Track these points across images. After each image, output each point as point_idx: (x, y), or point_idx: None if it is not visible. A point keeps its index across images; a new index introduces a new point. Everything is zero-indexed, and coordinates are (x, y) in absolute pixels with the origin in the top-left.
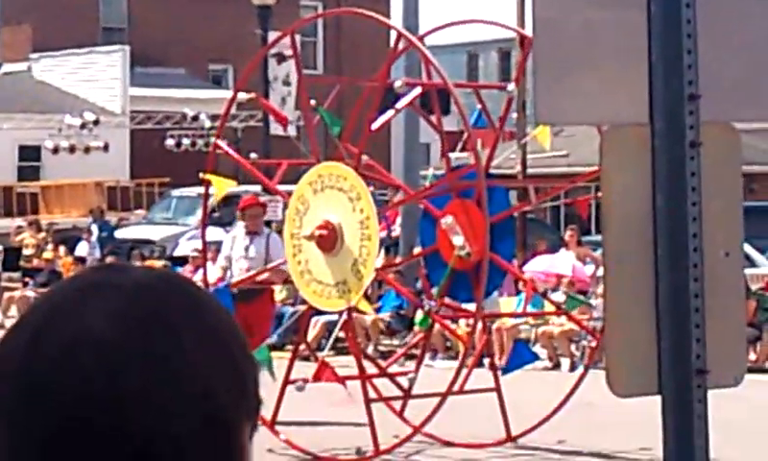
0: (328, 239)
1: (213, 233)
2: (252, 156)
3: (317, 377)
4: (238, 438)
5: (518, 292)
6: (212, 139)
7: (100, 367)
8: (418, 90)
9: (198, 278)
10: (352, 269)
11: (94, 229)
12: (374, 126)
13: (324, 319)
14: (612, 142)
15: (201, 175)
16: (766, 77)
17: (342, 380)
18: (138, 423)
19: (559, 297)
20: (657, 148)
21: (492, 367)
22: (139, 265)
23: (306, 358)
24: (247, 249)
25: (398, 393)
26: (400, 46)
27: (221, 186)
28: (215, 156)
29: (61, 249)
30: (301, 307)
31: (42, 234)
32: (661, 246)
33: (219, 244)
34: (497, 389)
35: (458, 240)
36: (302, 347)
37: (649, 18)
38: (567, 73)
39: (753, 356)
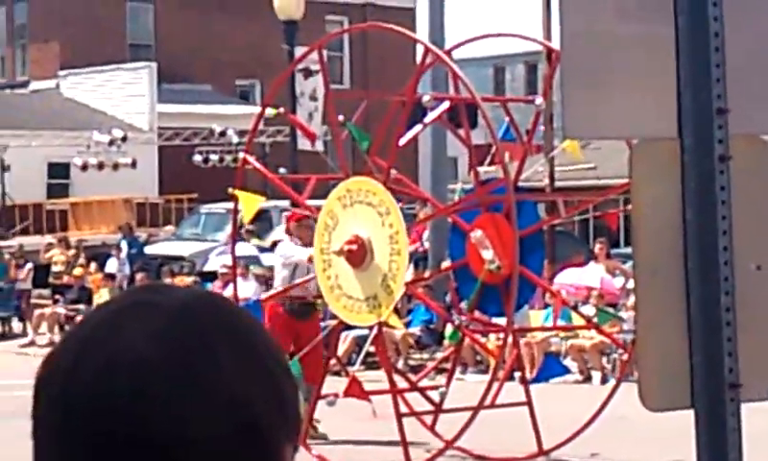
0: (358, 254)
1: (242, 249)
2: (281, 171)
3: (348, 393)
4: (277, 451)
5: (547, 306)
6: (240, 155)
7: (133, 385)
8: (446, 105)
9: (228, 293)
10: (382, 284)
11: (123, 245)
12: (402, 141)
13: (353, 333)
14: (641, 156)
15: (230, 190)
16: None
17: (369, 397)
18: (164, 430)
19: (589, 310)
20: (686, 162)
21: (524, 381)
22: (178, 285)
23: (337, 373)
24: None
25: (429, 407)
26: (428, 61)
27: (249, 203)
28: (244, 171)
29: (92, 265)
30: (332, 322)
31: (72, 251)
32: (692, 259)
33: (248, 259)
34: (529, 403)
35: (487, 254)
36: (333, 362)
37: (677, 32)
38: (595, 87)
39: None
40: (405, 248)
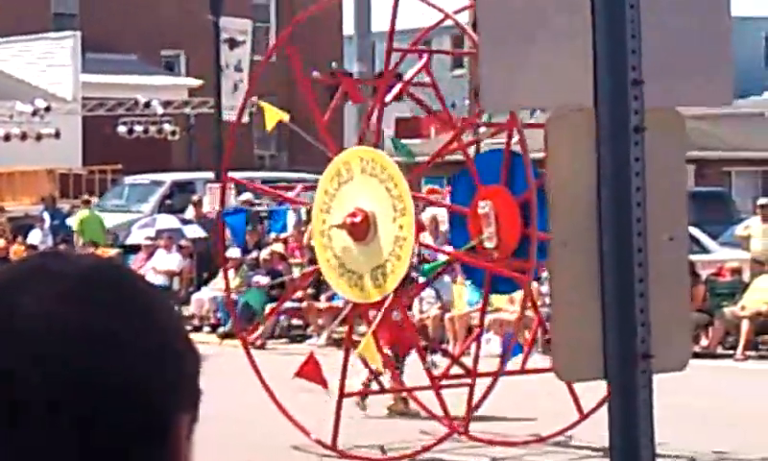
0: (361, 227)
1: (165, 221)
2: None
3: (302, 372)
4: (171, 421)
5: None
6: (165, 126)
7: (32, 350)
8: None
9: (151, 265)
10: (389, 256)
11: (46, 216)
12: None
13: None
14: (556, 126)
15: (255, 99)
16: (710, 62)
17: (324, 382)
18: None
19: None
20: (601, 133)
21: (447, 354)
22: (82, 253)
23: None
24: None
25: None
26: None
27: (271, 115)
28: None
29: (19, 238)
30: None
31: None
32: (606, 230)
33: (172, 231)
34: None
35: (487, 231)
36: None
37: (593, 4)
38: (511, 58)
39: (704, 342)
40: (411, 211)
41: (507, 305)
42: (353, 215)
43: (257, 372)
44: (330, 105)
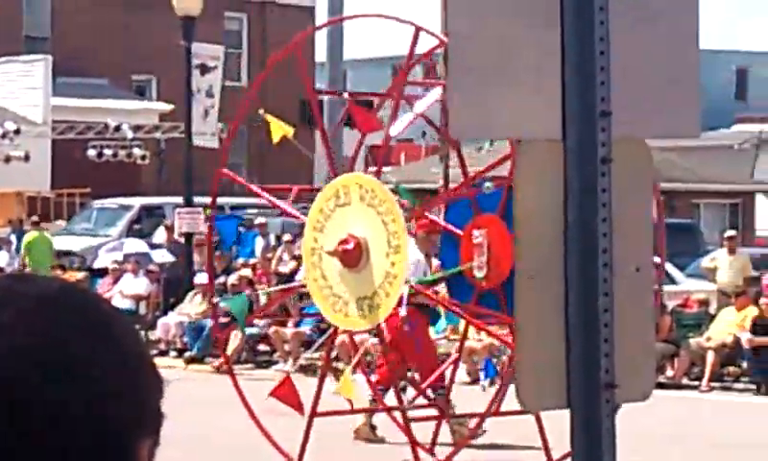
0: (353, 254)
1: (132, 245)
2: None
3: (276, 393)
4: (132, 445)
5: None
6: (135, 150)
7: None
8: (437, 93)
9: (118, 288)
10: (379, 287)
11: (13, 239)
12: (394, 132)
13: (249, 332)
14: (525, 157)
15: (261, 111)
16: (678, 94)
17: (300, 406)
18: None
19: None
20: (569, 163)
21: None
22: (46, 276)
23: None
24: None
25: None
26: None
27: (277, 128)
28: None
29: None
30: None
31: None
32: (572, 261)
33: (139, 255)
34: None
35: (480, 260)
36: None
37: (563, 35)
38: (481, 87)
39: (670, 372)
40: (405, 250)
41: (475, 334)
42: (345, 242)
43: (240, 393)
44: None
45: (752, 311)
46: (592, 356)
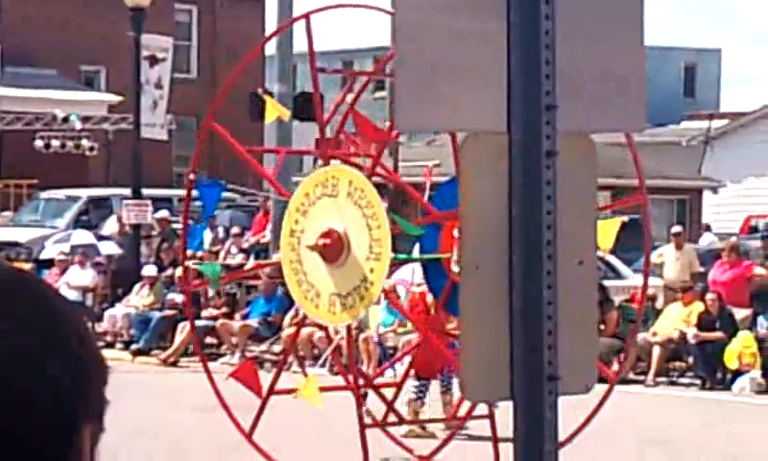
0: (333, 249)
1: (80, 237)
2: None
3: (236, 374)
4: (75, 430)
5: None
6: (83, 141)
7: None
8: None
9: (65, 279)
10: (361, 282)
11: None
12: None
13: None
14: (470, 150)
15: (259, 90)
16: (623, 89)
17: (259, 388)
18: None
19: None
20: (513, 156)
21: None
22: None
23: (173, 364)
24: None
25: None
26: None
27: (272, 111)
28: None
29: None
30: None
31: None
32: (516, 253)
33: (86, 247)
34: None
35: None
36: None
37: (509, 29)
38: (426, 80)
39: (616, 367)
40: (387, 244)
41: None
42: (326, 236)
43: (212, 381)
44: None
45: (698, 307)
46: (535, 348)
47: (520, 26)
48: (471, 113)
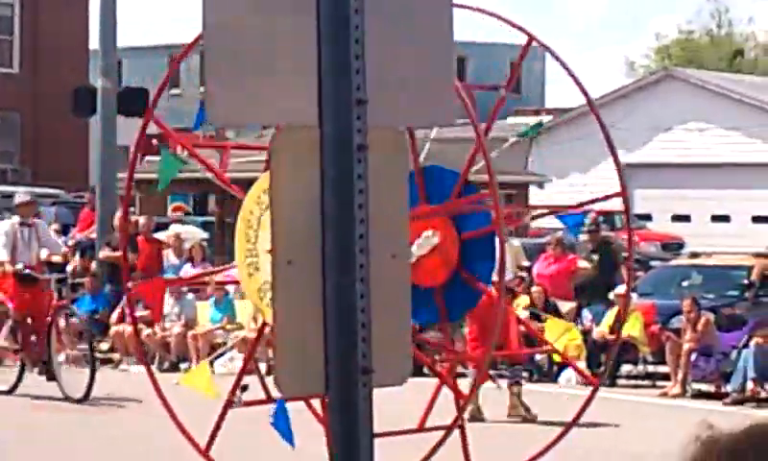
0: None
1: None
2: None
3: None
4: None
5: (211, 296)
6: None
7: None
8: None
9: None
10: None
11: None
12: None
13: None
14: (281, 143)
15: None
16: (433, 83)
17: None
18: None
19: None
20: (325, 150)
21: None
22: None
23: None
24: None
25: None
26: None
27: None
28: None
29: None
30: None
31: None
32: (329, 247)
33: None
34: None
35: (416, 252)
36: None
37: (319, 22)
38: (238, 75)
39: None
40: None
41: (251, 324)
42: None
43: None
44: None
45: (523, 300)
46: (349, 342)
47: (330, 20)
48: (283, 107)
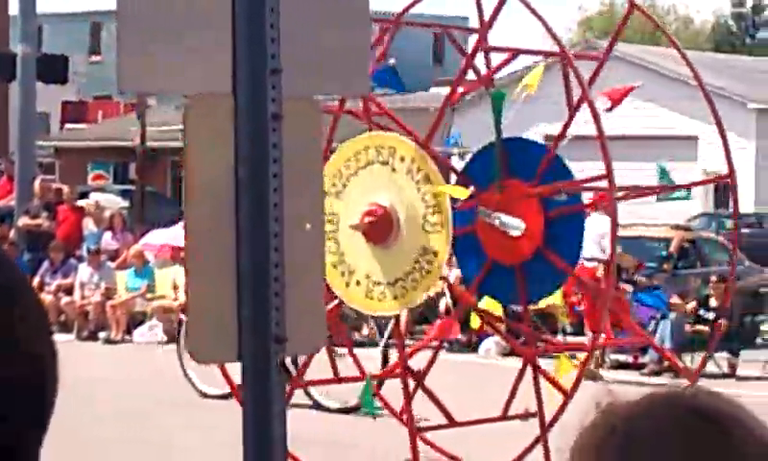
0: (381, 228)
1: None
2: None
3: None
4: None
5: (131, 266)
6: None
7: None
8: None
9: None
10: (417, 263)
11: None
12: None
13: None
14: (195, 112)
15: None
16: (348, 53)
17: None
18: None
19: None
20: (239, 119)
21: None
22: None
23: None
24: None
25: None
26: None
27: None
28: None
29: None
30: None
31: None
32: (243, 216)
33: None
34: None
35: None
36: None
37: None
38: (149, 41)
39: (366, 332)
40: (448, 216)
41: (170, 292)
42: (370, 214)
43: None
44: None
45: None
46: (263, 310)
47: None
48: (196, 76)
